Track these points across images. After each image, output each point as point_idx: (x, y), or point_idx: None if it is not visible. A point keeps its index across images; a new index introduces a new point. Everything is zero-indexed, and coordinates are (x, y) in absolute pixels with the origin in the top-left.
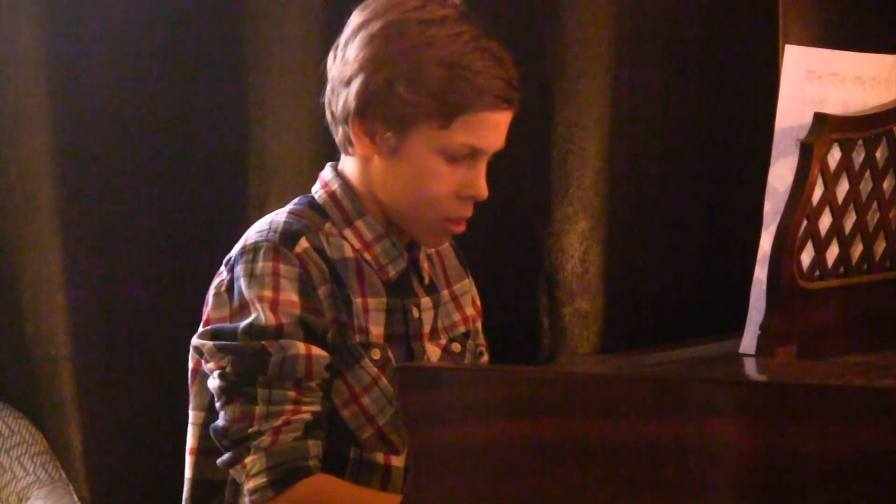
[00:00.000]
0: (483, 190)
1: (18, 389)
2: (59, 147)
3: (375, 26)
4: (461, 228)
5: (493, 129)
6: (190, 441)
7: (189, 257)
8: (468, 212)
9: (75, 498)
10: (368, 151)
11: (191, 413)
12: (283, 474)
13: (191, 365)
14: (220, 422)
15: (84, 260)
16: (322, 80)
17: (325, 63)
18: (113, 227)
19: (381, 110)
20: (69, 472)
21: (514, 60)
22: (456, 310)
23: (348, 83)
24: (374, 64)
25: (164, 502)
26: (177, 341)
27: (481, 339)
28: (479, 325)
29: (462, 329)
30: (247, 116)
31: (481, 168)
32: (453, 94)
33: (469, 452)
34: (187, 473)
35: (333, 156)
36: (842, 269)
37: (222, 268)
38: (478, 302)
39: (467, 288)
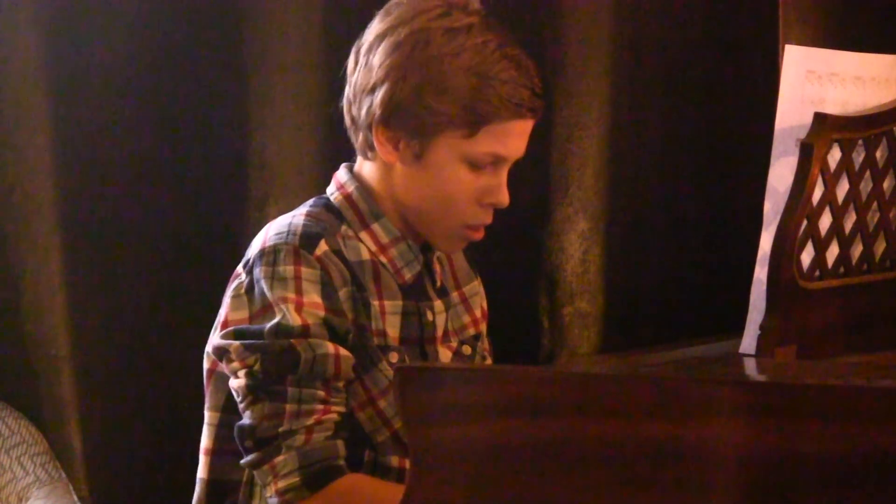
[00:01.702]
0: (505, 197)
1: (18, 389)
2: (59, 147)
3: (401, 34)
4: (480, 235)
5: (516, 137)
6: (205, 441)
7: (189, 257)
8: (488, 219)
9: (75, 498)
10: (391, 158)
11: (206, 413)
12: (317, 474)
13: (206, 366)
14: (246, 420)
15: (84, 260)
16: (341, 83)
17: (346, 67)
18: (113, 227)
19: (406, 119)
20: (69, 472)
21: (537, 67)
22: (466, 312)
23: (373, 90)
24: (400, 72)
25: (165, 502)
26: (177, 340)
27: (485, 344)
28: (484, 328)
29: (472, 331)
30: (247, 116)
31: (503, 175)
32: (481, 104)
33: (469, 452)
34: (200, 473)
35: (333, 156)
36: (842, 269)
37: (240, 269)
38: (484, 305)
39: (477, 289)
